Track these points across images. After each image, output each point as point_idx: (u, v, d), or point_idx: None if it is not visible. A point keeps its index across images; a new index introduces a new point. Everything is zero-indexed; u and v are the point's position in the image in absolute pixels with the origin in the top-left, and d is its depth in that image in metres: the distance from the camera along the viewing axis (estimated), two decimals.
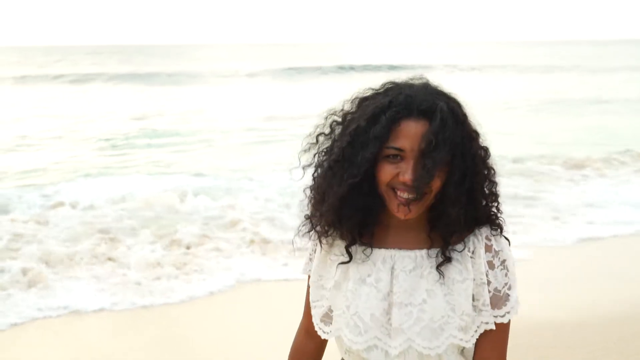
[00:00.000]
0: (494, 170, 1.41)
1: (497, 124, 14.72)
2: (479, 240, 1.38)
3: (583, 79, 32.80)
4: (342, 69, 40.56)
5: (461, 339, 1.36)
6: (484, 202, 1.39)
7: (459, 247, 1.37)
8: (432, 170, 1.26)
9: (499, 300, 1.37)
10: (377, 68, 40.58)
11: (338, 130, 1.40)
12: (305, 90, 28.15)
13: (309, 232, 1.47)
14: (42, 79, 33.72)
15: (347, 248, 1.41)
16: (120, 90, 28.28)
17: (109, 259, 6.07)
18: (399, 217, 1.34)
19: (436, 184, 1.30)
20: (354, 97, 1.42)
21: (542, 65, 44.37)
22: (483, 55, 66.91)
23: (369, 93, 1.41)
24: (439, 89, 1.38)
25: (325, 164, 1.40)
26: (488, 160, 1.40)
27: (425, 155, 1.27)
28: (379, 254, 1.41)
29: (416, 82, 1.39)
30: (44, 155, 13.03)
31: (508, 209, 1.80)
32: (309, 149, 1.46)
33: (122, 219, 7.40)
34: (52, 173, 11.03)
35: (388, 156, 1.31)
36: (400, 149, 1.29)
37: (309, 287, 1.54)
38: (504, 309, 1.37)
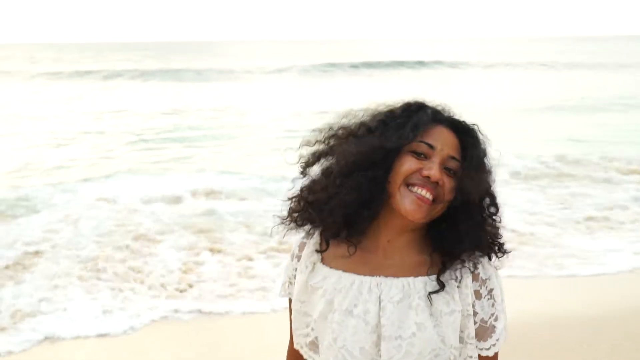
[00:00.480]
0: (498, 209, 1.38)
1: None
2: (464, 269, 1.32)
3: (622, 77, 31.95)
4: (369, 65, 40.22)
5: None
6: (488, 228, 1.35)
7: (446, 276, 1.32)
8: (454, 178, 1.29)
9: (484, 331, 1.34)
10: (406, 64, 40.27)
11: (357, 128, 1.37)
12: (334, 86, 28.04)
13: (293, 222, 1.41)
14: (75, 75, 34.30)
15: (326, 240, 1.37)
16: (151, 87, 28.57)
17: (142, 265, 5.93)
18: (399, 226, 1.31)
19: (451, 193, 1.28)
20: (368, 108, 1.41)
21: (576, 62, 43.45)
22: (513, 52, 65.87)
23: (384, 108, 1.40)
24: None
25: (341, 147, 1.35)
26: (496, 199, 1.37)
27: (453, 161, 1.29)
28: (365, 281, 1.33)
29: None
30: (75, 151, 13.14)
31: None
32: (324, 141, 1.41)
33: (163, 220, 7.29)
34: (84, 170, 11.09)
35: (413, 152, 1.29)
36: (431, 146, 1.28)
37: (291, 311, 1.47)
38: (489, 342, 1.34)
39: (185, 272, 5.75)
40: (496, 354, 1.36)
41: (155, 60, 51.95)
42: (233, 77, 33.41)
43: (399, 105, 1.37)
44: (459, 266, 1.32)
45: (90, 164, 11.69)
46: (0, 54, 70.25)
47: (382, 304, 1.30)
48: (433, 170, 1.25)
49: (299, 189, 1.41)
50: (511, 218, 7.00)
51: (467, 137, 1.33)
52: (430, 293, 1.29)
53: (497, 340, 1.34)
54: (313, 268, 1.40)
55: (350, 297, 1.32)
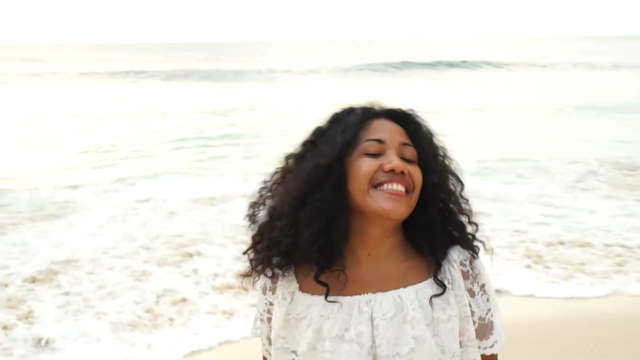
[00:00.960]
0: (463, 185, 1.34)
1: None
2: (454, 267, 1.27)
3: None
4: (411, 65, 39.75)
5: None
6: (459, 218, 1.31)
7: (439, 277, 1.25)
8: (416, 163, 1.25)
9: (484, 329, 1.28)
10: (450, 64, 39.55)
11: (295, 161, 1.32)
12: (377, 87, 27.74)
13: (262, 270, 1.32)
14: (117, 75, 34.82)
15: (316, 279, 1.24)
16: (192, 88, 28.73)
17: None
18: (380, 229, 1.24)
19: (419, 177, 1.24)
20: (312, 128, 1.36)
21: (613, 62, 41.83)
22: (554, 51, 64.27)
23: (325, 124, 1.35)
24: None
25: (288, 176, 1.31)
26: (459, 175, 1.34)
27: (408, 148, 1.25)
28: (353, 302, 1.24)
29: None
30: (121, 152, 13.20)
31: None
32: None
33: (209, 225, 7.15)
34: (131, 170, 11.09)
35: (365, 154, 1.23)
36: (379, 140, 1.24)
37: (266, 352, 1.40)
38: (491, 339, 1.29)
39: None
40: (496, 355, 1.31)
41: (195, 61, 52.52)
42: (273, 77, 33.38)
43: (327, 119, 1.33)
44: (447, 267, 1.26)
45: (137, 163, 11.73)
46: (41, 55, 71.88)
47: (374, 323, 1.22)
48: (393, 161, 1.20)
49: (251, 241, 1.34)
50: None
51: (408, 122, 1.30)
52: (432, 297, 1.22)
53: (498, 336, 1.29)
54: (292, 298, 1.30)
55: (340, 322, 1.23)
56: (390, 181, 1.20)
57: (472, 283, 1.27)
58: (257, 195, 1.36)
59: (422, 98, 21.35)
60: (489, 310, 1.28)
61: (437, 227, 1.27)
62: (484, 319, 1.28)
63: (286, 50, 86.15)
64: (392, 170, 1.20)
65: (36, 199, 8.76)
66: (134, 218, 7.46)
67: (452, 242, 1.29)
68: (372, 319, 1.22)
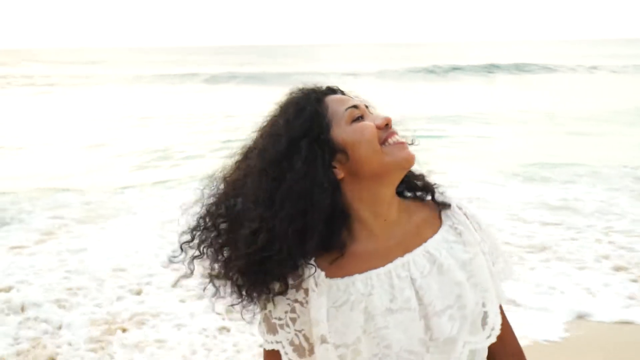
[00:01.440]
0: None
1: None
2: (455, 211, 1.30)
3: None
4: (462, 69, 38.83)
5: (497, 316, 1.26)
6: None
7: (447, 223, 1.29)
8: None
9: (493, 253, 1.31)
10: (501, 67, 38.56)
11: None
12: (432, 90, 27.26)
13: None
14: (176, 78, 35.40)
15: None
16: (246, 90, 28.80)
17: None
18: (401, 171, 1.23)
19: None
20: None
21: None
22: (601, 54, 61.90)
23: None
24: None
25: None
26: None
27: (369, 108, 1.28)
28: (389, 271, 1.21)
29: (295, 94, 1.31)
30: (174, 154, 13.10)
31: None
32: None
33: None
34: (182, 171, 10.96)
35: (353, 121, 1.22)
36: (356, 106, 1.24)
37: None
38: (499, 260, 1.32)
39: None
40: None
41: (239, 64, 53.08)
42: (322, 80, 33.01)
43: (278, 110, 1.28)
44: (449, 213, 1.29)
45: (187, 165, 11.61)
46: (98, 57, 74.26)
47: (417, 284, 1.21)
48: (381, 115, 1.25)
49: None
50: None
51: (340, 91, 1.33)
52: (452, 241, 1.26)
53: (504, 260, 1.31)
54: (325, 287, 1.20)
55: (384, 294, 1.20)
56: (392, 134, 1.21)
57: (471, 222, 1.29)
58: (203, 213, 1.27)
59: (475, 102, 20.81)
60: (491, 245, 1.30)
61: (411, 177, 1.31)
62: (487, 254, 1.28)
63: (330, 53, 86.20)
64: (387, 125, 1.21)
65: (89, 200, 8.83)
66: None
67: (426, 189, 1.32)
68: (412, 280, 1.21)
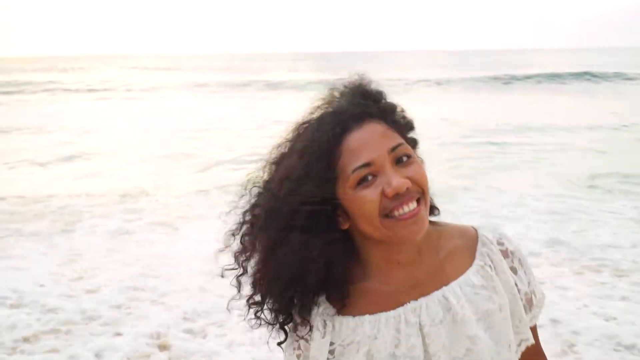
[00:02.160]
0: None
1: None
2: (492, 250, 1.19)
3: None
4: (529, 78, 36.89)
5: None
6: None
7: (477, 264, 1.18)
8: (413, 158, 1.13)
9: (529, 302, 1.22)
10: (594, 76, 36.39)
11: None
12: (511, 100, 26.36)
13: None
14: (255, 85, 35.94)
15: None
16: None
17: None
18: (406, 247, 1.15)
19: (423, 172, 1.13)
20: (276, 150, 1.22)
21: None
22: None
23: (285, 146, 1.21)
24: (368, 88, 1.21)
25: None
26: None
27: (397, 150, 1.11)
28: (398, 314, 1.15)
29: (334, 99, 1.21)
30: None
31: None
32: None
33: None
34: None
35: (358, 184, 1.09)
36: (367, 164, 1.09)
37: None
38: (534, 310, 1.23)
39: None
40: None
41: (320, 71, 53.29)
42: (407, 88, 32.46)
43: (290, 142, 1.19)
44: (484, 250, 1.19)
45: None
46: (172, 64, 75.98)
47: (424, 331, 1.14)
48: (393, 182, 1.07)
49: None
50: None
51: (382, 110, 1.17)
52: (478, 288, 1.16)
53: (539, 301, 1.23)
54: (333, 326, 1.18)
55: (390, 339, 1.14)
56: (400, 205, 1.08)
57: (512, 260, 1.20)
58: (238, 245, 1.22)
59: (557, 113, 19.96)
60: (529, 282, 1.22)
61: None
62: (527, 292, 1.21)
63: (403, 60, 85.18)
64: (397, 194, 1.08)
65: (164, 203, 8.99)
66: None
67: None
68: (421, 327, 1.14)
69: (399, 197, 1.08)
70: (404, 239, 1.11)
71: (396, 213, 1.09)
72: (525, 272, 1.22)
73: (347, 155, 1.10)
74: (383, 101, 1.20)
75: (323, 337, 1.18)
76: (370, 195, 1.09)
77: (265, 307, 1.20)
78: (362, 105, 1.16)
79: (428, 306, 1.15)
